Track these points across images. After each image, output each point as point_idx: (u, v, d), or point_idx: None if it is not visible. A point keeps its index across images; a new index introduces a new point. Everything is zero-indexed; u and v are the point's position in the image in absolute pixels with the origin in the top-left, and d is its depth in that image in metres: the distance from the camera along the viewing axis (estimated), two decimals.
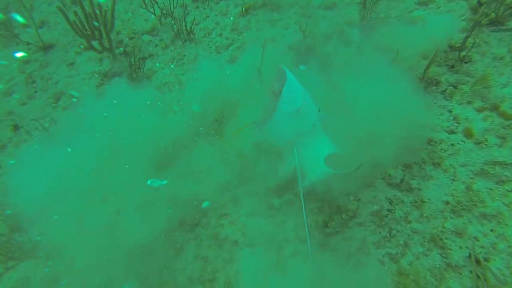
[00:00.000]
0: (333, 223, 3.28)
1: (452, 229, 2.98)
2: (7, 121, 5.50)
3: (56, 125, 4.94)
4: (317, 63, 4.25)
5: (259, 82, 4.27)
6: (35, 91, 5.79)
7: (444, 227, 3.01)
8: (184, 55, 5.32)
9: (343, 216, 3.31)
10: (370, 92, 3.86)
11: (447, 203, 3.13)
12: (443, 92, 3.92)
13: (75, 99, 5.46)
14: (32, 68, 6.09)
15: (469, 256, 2.79)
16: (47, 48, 6.25)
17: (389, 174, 3.43)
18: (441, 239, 2.96)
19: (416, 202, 3.24)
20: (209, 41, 5.34)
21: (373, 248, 3.10)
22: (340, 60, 4.35)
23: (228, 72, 4.77)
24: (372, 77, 4.04)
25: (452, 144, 3.48)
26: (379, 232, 3.18)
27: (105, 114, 4.76)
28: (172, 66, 5.29)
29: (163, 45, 5.66)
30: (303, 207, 2.74)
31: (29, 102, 5.67)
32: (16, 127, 5.30)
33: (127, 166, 4.05)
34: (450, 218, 3.05)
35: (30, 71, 6.07)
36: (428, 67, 3.96)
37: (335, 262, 3.05)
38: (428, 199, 3.22)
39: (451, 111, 3.73)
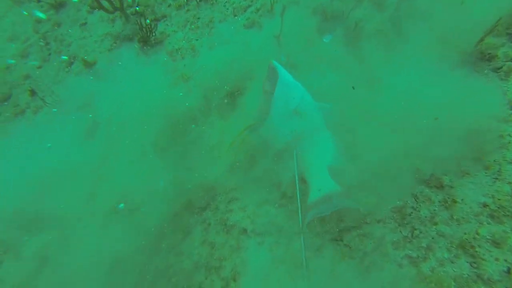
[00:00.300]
0: (349, 217, 2.94)
1: (488, 237, 2.55)
2: (24, 85, 5.35)
3: (67, 91, 4.71)
4: (344, 32, 3.56)
5: (278, 52, 3.70)
6: (49, 54, 5.52)
7: (478, 234, 2.58)
8: (198, 18, 4.73)
9: (361, 209, 2.95)
10: (405, 69, 3.24)
11: (485, 205, 2.66)
12: (497, 69, 3.20)
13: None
14: (45, 28, 5.76)
15: (508, 271, 2.39)
16: (58, 6, 5.83)
17: (417, 167, 2.95)
18: (472, 247, 2.55)
19: (446, 201, 2.79)
20: (226, 2, 4.68)
21: (392, 249, 2.77)
22: (371, 29, 3.63)
23: (245, 39, 4.19)
24: (409, 51, 3.37)
25: (500, 135, 2.88)
26: (400, 231, 2.82)
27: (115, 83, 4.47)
28: (186, 29, 4.74)
29: (177, 5, 5.06)
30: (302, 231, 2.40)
31: (44, 66, 5.44)
32: (32, 92, 5.15)
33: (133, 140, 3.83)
34: (487, 223, 2.60)
35: (44, 31, 5.74)
36: (483, 38, 3.20)
37: (347, 260, 2.78)
38: (461, 200, 2.75)
39: (505, 94, 3.05)
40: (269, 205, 3.13)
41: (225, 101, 3.84)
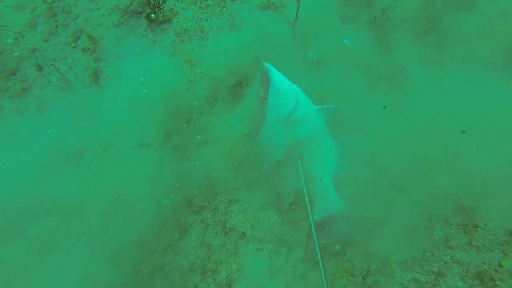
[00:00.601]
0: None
1: None
2: (32, 59, 5.10)
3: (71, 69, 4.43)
4: (368, 20, 3.05)
5: (293, 40, 3.25)
6: (56, 26, 5.19)
7: (501, 265, 2.28)
8: None
9: (368, 224, 2.67)
10: (438, 68, 2.78)
11: None
12: None
13: None
14: None
15: None
16: None
17: (437, 183, 2.60)
18: (492, 279, 2.26)
19: (466, 225, 2.47)
20: None
21: (398, 269, 2.51)
22: (400, 16, 3.10)
23: (258, 22, 3.72)
24: (445, 45, 2.88)
25: None
26: (409, 251, 2.54)
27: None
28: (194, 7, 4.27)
29: None
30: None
31: (51, 39, 5.13)
32: (39, 67, 4.91)
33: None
34: None
35: (51, 1, 5.37)
36: None
37: (349, 277, 2.55)
38: (484, 224, 2.42)
39: None
40: (271, 210, 2.89)
41: (232, 91, 3.50)
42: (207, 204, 3.08)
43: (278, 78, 2.36)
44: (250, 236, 2.85)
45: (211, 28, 3.97)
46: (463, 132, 2.43)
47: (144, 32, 4.47)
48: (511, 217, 2.31)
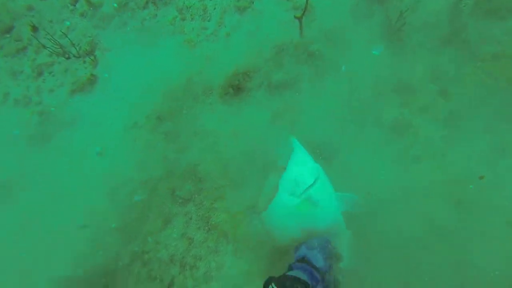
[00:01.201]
0: None
1: None
2: (27, 17, 4.58)
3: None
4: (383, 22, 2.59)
5: (300, 36, 2.83)
6: None
7: None
8: None
9: None
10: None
11: None
12: None
13: None
14: None
15: None
16: None
17: None
18: None
19: None
20: None
21: None
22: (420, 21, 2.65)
23: (266, 7, 3.25)
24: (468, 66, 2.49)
25: None
26: None
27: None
28: None
29: None
30: None
31: None
32: (34, 28, 4.42)
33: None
34: None
35: None
36: None
37: None
38: None
39: None
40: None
41: (231, 81, 3.13)
42: (192, 196, 2.86)
43: (302, 151, 2.03)
44: (232, 236, 2.66)
45: (214, 9, 3.48)
46: (481, 178, 2.06)
47: (146, 3, 3.96)
48: None
